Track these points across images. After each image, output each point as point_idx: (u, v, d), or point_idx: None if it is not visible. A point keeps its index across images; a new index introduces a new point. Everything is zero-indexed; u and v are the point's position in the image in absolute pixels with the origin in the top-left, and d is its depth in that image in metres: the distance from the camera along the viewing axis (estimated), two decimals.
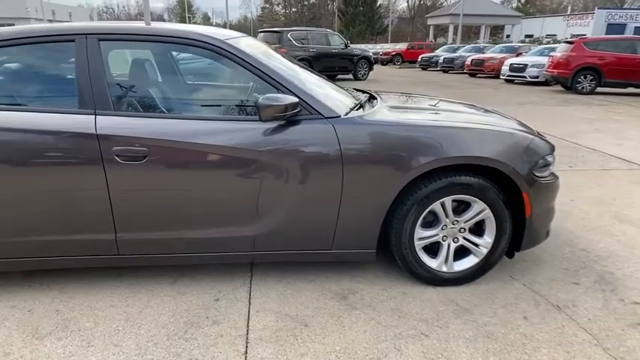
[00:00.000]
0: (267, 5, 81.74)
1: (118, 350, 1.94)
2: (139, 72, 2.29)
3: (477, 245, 2.37)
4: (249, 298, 2.32)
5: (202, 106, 2.33)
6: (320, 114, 2.16)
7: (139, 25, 2.23)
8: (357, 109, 2.39)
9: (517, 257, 2.66)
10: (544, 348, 1.94)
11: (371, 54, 16.17)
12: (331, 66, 14.77)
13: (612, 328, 2.09)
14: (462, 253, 2.41)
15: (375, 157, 2.16)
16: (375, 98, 2.75)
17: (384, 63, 29.48)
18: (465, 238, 2.37)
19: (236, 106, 2.53)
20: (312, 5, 74.47)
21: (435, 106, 2.92)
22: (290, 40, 13.68)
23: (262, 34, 14.76)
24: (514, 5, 58.55)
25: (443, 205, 2.27)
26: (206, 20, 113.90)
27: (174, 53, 2.48)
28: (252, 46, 2.39)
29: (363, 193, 2.18)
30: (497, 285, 2.44)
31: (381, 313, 2.19)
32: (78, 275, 2.48)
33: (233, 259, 2.33)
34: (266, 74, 2.15)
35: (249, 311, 2.21)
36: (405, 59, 28.04)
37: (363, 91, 3.05)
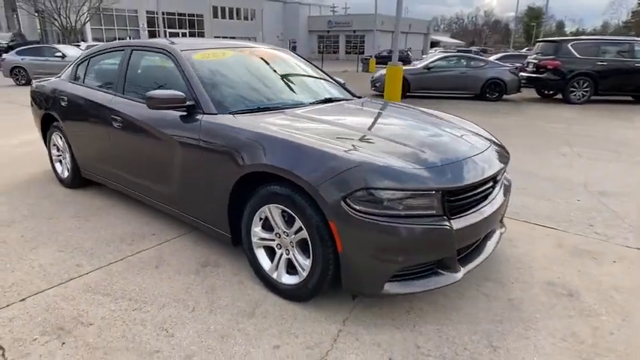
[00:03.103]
0: None
1: (79, 234, 3.15)
2: (138, 69, 3.34)
3: (300, 265, 2.28)
4: (165, 242, 3.08)
5: None
6: (202, 109, 2.65)
7: (148, 40, 3.32)
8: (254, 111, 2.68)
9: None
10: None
11: None
12: (628, 84, 11.68)
13: None
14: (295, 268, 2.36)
15: (219, 151, 2.47)
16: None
17: None
18: (293, 254, 2.32)
19: None
20: None
21: (345, 119, 2.74)
22: (570, 51, 11.68)
23: (539, 43, 13.17)
24: None
25: (270, 211, 2.32)
26: (559, 29, 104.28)
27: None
28: (209, 55, 3.04)
29: (213, 178, 2.54)
30: (321, 314, 2.25)
31: (194, 286, 2.52)
32: (123, 198, 3.84)
33: (160, 208, 3.13)
34: (185, 75, 2.81)
35: (152, 247, 2.99)
36: None
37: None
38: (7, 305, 2.30)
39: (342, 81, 3.97)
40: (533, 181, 4.69)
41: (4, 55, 14.55)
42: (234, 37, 36.48)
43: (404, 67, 12.57)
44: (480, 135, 2.78)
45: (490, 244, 2.58)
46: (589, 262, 2.90)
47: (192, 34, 40.76)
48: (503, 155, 2.62)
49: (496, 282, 2.64)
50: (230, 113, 2.62)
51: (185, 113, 2.71)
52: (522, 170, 5.11)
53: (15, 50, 14.70)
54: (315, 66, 3.88)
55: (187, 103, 2.66)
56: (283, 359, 1.95)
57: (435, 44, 61.42)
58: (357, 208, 1.98)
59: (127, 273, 2.65)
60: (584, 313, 2.35)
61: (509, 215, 3.66)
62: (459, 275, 2.22)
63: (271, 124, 2.43)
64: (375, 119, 2.84)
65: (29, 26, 32.40)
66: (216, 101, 2.68)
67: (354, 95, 3.64)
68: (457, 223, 2.11)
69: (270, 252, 2.47)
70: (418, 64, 13.49)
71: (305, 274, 2.25)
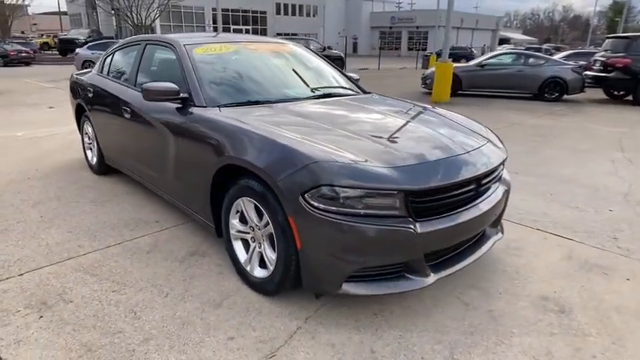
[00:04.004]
0: None
1: (90, 218, 3.37)
2: (149, 62, 3.48)
3: (269, 259, 2.29)
4: (164, 229, 3.22)
5: None
6: (193, 102, 2.73)
7: (156, 35, 3.46)
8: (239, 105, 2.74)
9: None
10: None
11: None
12: None
13: None
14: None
15: (202, 141, 2.53)
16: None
17: None
18: (264, 248, 2.33)
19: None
20: None
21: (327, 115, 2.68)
22: None
23: (608, 40, 12.02)
24: None
25: (244, 204, 2.35)
26: None
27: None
28: (210, 49, 3.11)
29: (199, 170, 2.60)
30: (287, 310, 2.25)
31: (175, 273, 2.61)
32: (140, 186, 4.06)
33: (163, 196, 3.27)
34: (182, 68, 2.91)
35: (150, 234, 3.14)
36: None
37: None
38: (7, 278, 2.53)
39: (357, 77, 3.91)
40: (566, 188, 4.34)
41: (77, 50, 15.88)
42: (295, 34, 37.03)
43: (456, 65, 12.13)
44: (476, 135, 2.62)
45: (479, 251, 2.44)
46: (597, 278, 2.64)
47: (255, 31, 41.91)
48: (496, 158, 2.44)
49: (482, 291, 2.48)
50: (218, 106, 2.67)
51: (180, 105, 2.81)
52: (557, 175, 4.75)
53: (87, 45, 16.00)
54: (330, 63, 3.84)
55: (181, 95, 2.75)
56: (233, 350, 1.97)
57: (504, 41, 58.31)
58: (315, 204, 1.95)
59: (120, 256, 2.80)
60: (570, 332, 2.14)
61: (522, 222, 3.43)
62: (429, 281, 2.12)
63: (248, 118, 2.45)
64: (361, 115, 2.76)
65: (107, 23, 35.06)
66: (206, 94, 2.75)
67: (363, 91, 3.57)
68: (424, 227, 2.01)
69: (246, 244, 2.50)
70: (471, 62, 12.91)
71: (272, 268, 2.26)
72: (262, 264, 2.38)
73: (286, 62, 3.43)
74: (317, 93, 3.15)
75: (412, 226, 1.98)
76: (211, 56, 3.09)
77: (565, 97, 11.41)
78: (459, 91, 12.04)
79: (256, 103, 2.79)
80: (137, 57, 3.53)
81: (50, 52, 33.85)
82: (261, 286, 2.37)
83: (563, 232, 3.29)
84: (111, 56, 4.07)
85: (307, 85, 3.26)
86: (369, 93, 3.52)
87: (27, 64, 22.58)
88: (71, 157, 5.09)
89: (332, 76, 3.59)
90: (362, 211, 1.94)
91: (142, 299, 2.34)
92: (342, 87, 3.46)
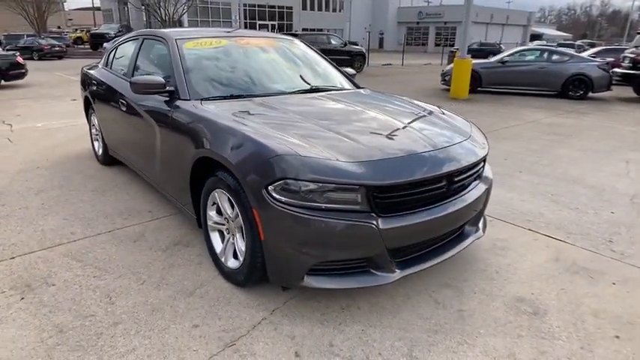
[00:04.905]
0: None
1: (88, 206, 3.50)
2: (145, 56, 3.56)
3: (240, 251, 2.33)
4: (155, 219, 3.31)
5: None
6: (178, 95, 2.79)
7: (153, 30, 3.54)
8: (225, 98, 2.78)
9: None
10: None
11: None
12: None
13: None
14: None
15: (183, 133, 2.59)
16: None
17: None
18: (236, 239, 2.37)
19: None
20: None
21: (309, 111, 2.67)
22: None
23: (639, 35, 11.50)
24: None
25: (218, 196, 2.39)
26: None
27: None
28: (200, 43, 3.17)
29: (180, 162, 2.67)
30: (256, 301, 2.29)
31: (156, 261, 2.68)
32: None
33: (155, 187, 3.36)
34: (171, 61, 2.97)
35: (141, 223, 3.23)
36: None
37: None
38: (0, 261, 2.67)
39: (352, 72, 3.91)
40: (570, 188, 4.20)
41: (105, 44, 16.39)
42: (321, 29, 36.97)
43: (476, 61, 11.86)
44: (455, 131, 2.57)
45: (453, 249, 2.41)
46: (580, 281, 2.57)
47: (280, 26, 42.04)
48: (473, 155, 2.40)
49: (456, 290, 2.45)
50: (200, 100, 2.73)
51: (168, 98, 2.88)
52: (564, 175, 4.60)
53: (113, 40, 16.48)
54: (325, 58, 3.85)
55: (168, 88, 2.81)
56: (195, 338, 2.02)
57: (536, 37, 56.52)
58: (277, 197, 1.98)
59: (107, 244, 2.90)
60: (538, 335, 2.10)
61: (514, 222, 3.35)
62: (394, 277, 2.11)
63: (225, 112, 2.49)
64: (341, 110, 2.75)
65: (137, 18, 35.90)
66: (191, 87, 2.81)
67: (356, 86, 3.57)
68: (387, 222, 2.01)
69: (222, 236, 2.54)
70: (492, 58, 12.59)
71: (242, 259, 2.30)
72: (236, 255, 2.42)
73: (277, 57, 3.45)
74: (303, 87, 3.16)
75: (374, 222, 1.97)
76: (200, 50, 3.14)
77: (590, 95, 10.99)
78: (479, 88, 11.79)
79: (239, 97, 2.83)
80: (135, 51, 3.62)
81: (83, 46, 35.03)
82: (233, 277, 2.41)
83: (555, 233, 3.20)
84: (114, 50, 4.19)
85: (294, 80, 3.27)
86: (361, 88, 3.50)
87: (60, 57, 23.43)
88: (82, 148, 5.28)
89: (324, 71, 3.59)
90: (323, 205, 1.96)
91: (119, 285, 2.43)
92: (332, 82, 3.46)
